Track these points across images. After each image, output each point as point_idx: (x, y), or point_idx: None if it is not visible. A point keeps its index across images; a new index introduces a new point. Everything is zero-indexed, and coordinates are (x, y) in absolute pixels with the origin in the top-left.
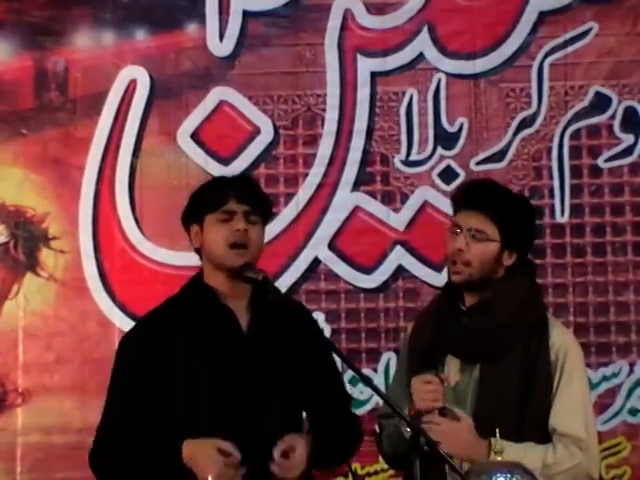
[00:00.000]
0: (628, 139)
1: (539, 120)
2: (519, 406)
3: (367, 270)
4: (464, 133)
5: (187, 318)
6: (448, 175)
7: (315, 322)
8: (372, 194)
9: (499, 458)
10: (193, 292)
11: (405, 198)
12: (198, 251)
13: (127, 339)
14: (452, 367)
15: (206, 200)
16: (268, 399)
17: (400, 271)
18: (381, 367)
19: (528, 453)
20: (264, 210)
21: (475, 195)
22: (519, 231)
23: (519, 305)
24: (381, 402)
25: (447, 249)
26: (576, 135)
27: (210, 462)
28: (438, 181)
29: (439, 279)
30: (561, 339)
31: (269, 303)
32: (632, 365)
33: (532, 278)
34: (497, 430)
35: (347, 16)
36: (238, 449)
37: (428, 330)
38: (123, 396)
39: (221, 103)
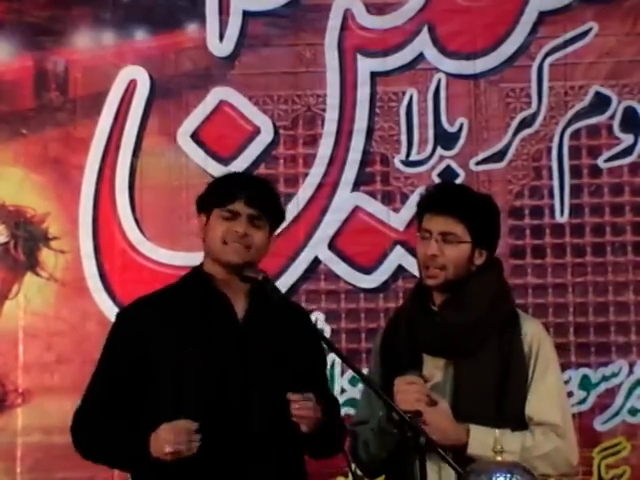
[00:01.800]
0: (628, 139)
1: (539, 120)
2: (496, 400)
3: (367, 270)
4: (464, 133)
5: (183, 303)
6: (448, 175)
7: (313, 324)
8: (372, 194)
9: (499, 458)
10: (192, 279)
11: (405, 198)
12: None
13: (122, 317)
14: (428, 365)
15: (216, 194)
16: (256, 389)
17: (400, 271)
18: None
19: (506, 438)
20: (272, 216)
21: (441, 199)
22: (487, 229)
23: (491, 300)
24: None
25: (418, 255)
26: (576, 135)
27: (166, 435)
28: (438, 181)
29: None
30: (533, 331)
31: (267, 297)
32: (632, 365)
33: (500, 274)
34: (496, 431)
35: (347, 16)
36: (222, 437)
37: (402, 331)
38: (110, 371)
39: (221, 103)
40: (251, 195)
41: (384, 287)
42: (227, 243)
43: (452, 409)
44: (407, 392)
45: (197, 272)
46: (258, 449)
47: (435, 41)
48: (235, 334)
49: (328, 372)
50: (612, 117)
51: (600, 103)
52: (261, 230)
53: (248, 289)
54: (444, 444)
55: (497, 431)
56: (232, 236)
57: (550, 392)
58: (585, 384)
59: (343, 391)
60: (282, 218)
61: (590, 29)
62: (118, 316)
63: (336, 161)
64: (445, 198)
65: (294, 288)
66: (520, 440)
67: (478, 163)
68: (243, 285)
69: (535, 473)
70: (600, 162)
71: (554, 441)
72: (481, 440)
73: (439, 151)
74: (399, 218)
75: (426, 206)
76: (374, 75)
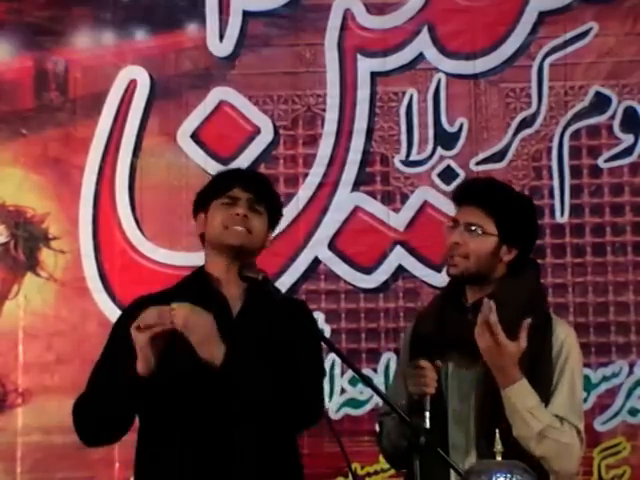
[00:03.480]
0: (628, 139)
1: (539, 120)
2: None
3: (367, 270)
4: (464, 133)
5: (180, 300)
6: (448, 175)
7: (313, 320)
8: (372, 194)
9: (499, 458)
10: (191, 280)
11: (405, 198)
12: (202, 238)
13: (124, 314)
14: (456, 362)
15: (213, 187)
16: (249, 390)
17: (400, 271)
18: (381, 367)
19: (542, 409)
20: (270, 202)
21: (472, 191)
22: (517, 226)
23: (524, 303)
24: (381, 402)
25: (447, 245)
26: (576, 135)
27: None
28: (438, 181)
29: (439, 279)
30: (564, 337)
31: (264, 294)
32: (632, 365)
33: (537, 278)
34: (497, 430)
35: (347, 16)
36: (212, 433)
37: (430, 326)
38: (111, 363)
39: (221, 103)
40: (249, 181)
41: (384, 287)
42: (228, 227)
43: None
44: (415, 376)
45: (197, 273)
46: (248, 443)
47: (435, 41)
48: (228, 329)
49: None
50: (612, 117)
51: (600, 103)
52: (260, 216)
53: (245, 289)
54: (494, 369)
55: (537, 399)
56: (233, 220)
57: (573, 399)
58: (585, 384)
59: (343, 391)
60: (280, 211)
61: (590, 29)
62: (121, 315)
63: (336, 161)
64: (476, 189)
65: (294, 288)
66: (550, 418)
67: (478, 163)
68: (241, 285)
69: (538, 453)
70: (600, 162)
71: (574, 439)
72: (522, 394)
73: (439, 151)
74: (399, 218)
75: (458, 197)
76: (374, 75)
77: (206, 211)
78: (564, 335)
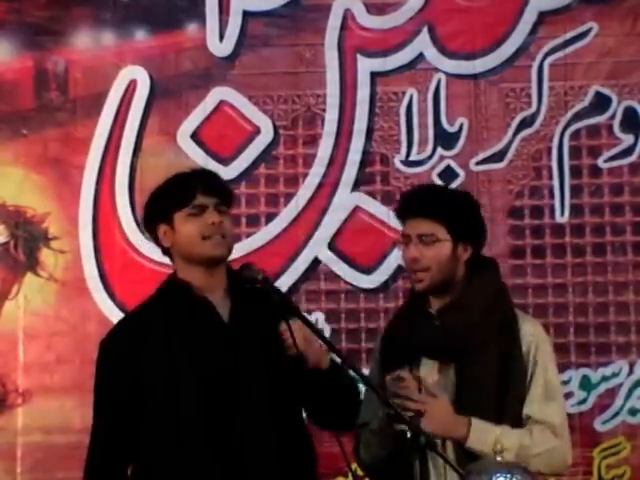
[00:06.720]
0: (628, 139)
1: (539, 120)
2: (496, 401)
3: (367, 270)
4: (464, 133)
5: (166, 316)
6: (448, 175)
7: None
8: (372, 194)
9: (499, 458)
10: (169, 290)
11: None
12: (166, 251)
13: (106, 346)
14: (428, 369)
15: (173, 197)
16: (256, 388)
17: (400, 271)
18: None
19: (505, 434)
20: (229, 199)
21: (414, 203)
22: (466, 222)
23: (491, 301)
24: None
25: (404, 262)
26: (576, 135)
27: None
28: (438, 181)
29: None
30: (532, 331)
31: (246, 291)
32: (632, 365)
33: (497, 276)
34: (497, 427)
35: (347, 16)
36: (227, 443)
37: (401, 334)
38: (110, 410)
39: (221, 103)
40: (208, 184)
41: (384, 287)
42: (206, 238)
43: (454, 410)
44: (397, 388)
45: (172, 282)
46: (258, 446)
47: (435, 41)
48: (223, 336)
49: None
50: (612, 117)
51: (600, 103)
52: (227, 216)
53: (225, 288)
54: (444, 436)
55: (497, 428)
56: (209, 229)
57: (548, 392)
58: (585, 384)
59: None
60: (233, 197)
61: (590, 29)
62: (101, 350)
63: (336, 161)
64: (416, 201)
65: (294, 288)
66: (518, 438)
67: (478, 163)
68: (221, 286)
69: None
70: (600, 162)
71: (551, 441)
72: (481, 436)
73: (439, 151)
74: None
75: (401, 212)
76: (374, 75)
77: (169, 223)
78: (531, 330)
